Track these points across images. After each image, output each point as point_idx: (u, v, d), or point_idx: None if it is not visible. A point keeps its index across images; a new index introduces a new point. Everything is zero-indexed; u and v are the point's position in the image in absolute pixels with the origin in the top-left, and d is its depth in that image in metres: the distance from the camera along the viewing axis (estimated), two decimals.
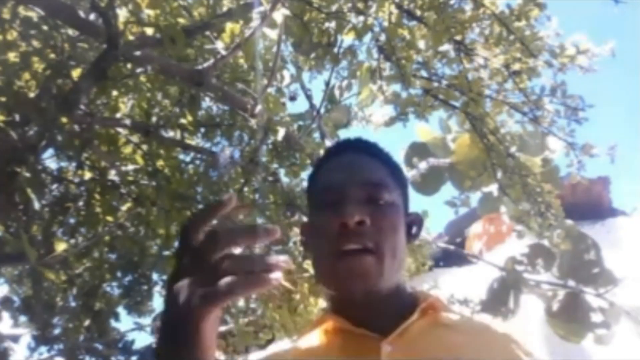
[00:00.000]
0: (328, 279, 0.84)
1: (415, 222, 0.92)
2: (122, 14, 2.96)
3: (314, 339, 0.87)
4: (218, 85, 3.09)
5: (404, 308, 0.84)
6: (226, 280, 0.52)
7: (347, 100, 4.40)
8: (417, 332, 0.82)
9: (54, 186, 3.42)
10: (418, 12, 2.96)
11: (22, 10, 2.82)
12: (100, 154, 3.36)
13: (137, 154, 3.54)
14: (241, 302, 3.46)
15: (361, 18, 2.94)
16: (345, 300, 0.83)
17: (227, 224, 0.60)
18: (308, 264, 3.16)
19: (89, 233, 3.45)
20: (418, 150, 4.39)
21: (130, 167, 3.44)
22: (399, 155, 4.57)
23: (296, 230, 3.12)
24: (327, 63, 3.44)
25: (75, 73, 2.97)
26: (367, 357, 0.79)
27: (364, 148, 0.91)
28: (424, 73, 3.08)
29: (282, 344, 2.56)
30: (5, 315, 3.74)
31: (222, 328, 4.04)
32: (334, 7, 2.98)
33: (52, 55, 2.89)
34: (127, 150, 3.55)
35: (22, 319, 3.78)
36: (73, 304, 3.63)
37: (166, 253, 3.69)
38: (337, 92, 4.15)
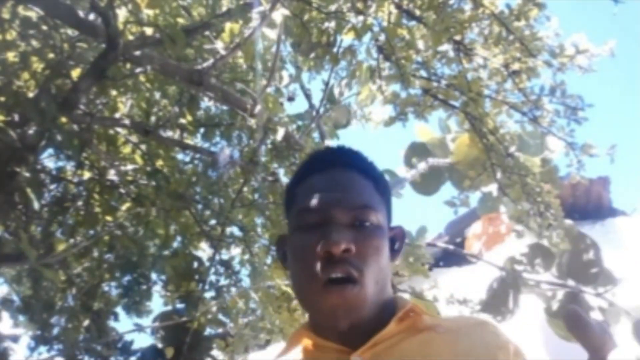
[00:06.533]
0: (310, 307, 0.84)
1: (398, 236, 0.92)
2: (122, 13, 2.95)
3: (290, 357, 0.88)
4: (217, 85, 3.09)
5: (382, 319, 0.83)
6: None
7: (347, 100, 4.40)
8: (392, 341, 0.82)
9: (53, 186, 3.42)
10: (417, 12, 2.96)
11: (21, 10, 2.82)
12: (100, 153, 3.36)
13: (136, 153, 3.54)
14: (240, 303, 3.45)
15: (360, 18, 2.94)
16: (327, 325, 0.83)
17: None
18: None
19: (88, 233, 3.45)
20: (417, 150, 4.40)
21: (130, 166, 3.44)
22: (398, 155, 4.57)
23: None
24: (327, 63, 3.44)
25: (75, 73, 2.97)
26: None
27: (349, 163, 0.88)
28: (423, 73, 3.08)
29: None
30: (5, 315, 3.75)
31: (221, 329, 4.03)
32: (333, 7, 2.97)
33: (52, 55, 2.89)
34: (126, 150, 3.55)
35: (22, 319, 3.78)
36: (72, 303, 3.63)
37: (165, 253, 3.68)
38: (336, 92, 4.15)
